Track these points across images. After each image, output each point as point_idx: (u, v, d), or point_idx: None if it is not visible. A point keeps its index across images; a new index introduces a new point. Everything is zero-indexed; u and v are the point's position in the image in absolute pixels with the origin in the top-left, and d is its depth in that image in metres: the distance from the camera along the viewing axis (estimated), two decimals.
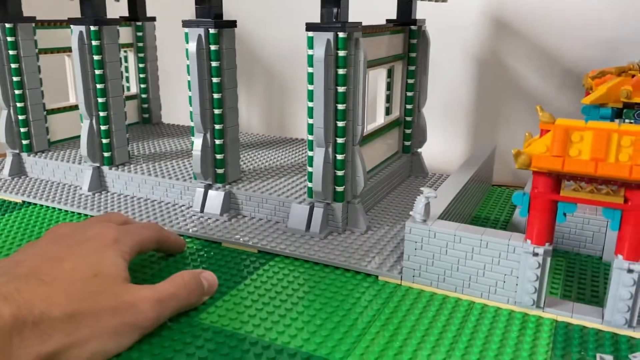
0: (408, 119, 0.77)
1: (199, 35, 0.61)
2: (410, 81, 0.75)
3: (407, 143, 0.78)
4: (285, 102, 1.07)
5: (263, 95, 1.09)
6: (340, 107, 0.57)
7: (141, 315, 0.41)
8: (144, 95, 0.99)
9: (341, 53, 0.55)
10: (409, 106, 0.76)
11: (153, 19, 0.97)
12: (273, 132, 1.08)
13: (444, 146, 0.94)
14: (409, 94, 0.75)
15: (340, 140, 0.58)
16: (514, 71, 0.87)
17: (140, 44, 0.96)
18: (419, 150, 0.80)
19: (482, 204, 0.72)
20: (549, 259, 0.44)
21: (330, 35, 0.54)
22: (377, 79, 0.74)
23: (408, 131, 0.77)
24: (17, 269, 0.39)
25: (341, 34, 0.54)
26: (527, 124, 0.88)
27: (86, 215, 0.67)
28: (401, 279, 0.51)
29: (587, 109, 0.59)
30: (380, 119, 0.73)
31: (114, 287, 0.41)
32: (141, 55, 0.97)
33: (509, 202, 0.73)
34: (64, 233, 0.47)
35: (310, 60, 0.56)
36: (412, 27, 0.73)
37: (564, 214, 0.44)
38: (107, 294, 0.40)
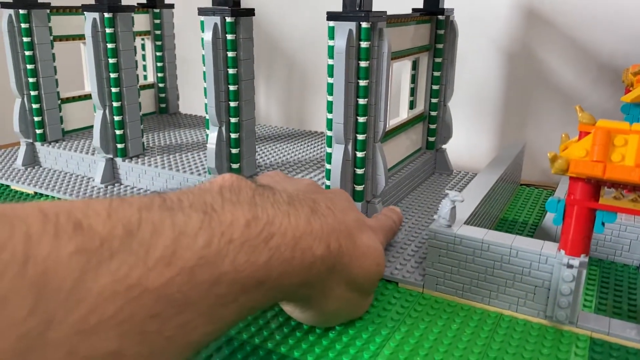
0: (433, 113, 0.73)
1: (215, 24, 0.58)
2: (436, 74, 0.71)
3: (432, 139, 0.75)
4: (306, 93, 1.04)
5: (282, 86, 1.06)
6: (362, 101, 0.53)
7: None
8: (161, 85, 0.97)
9: (364, 44, 0.52)
10: (434, 100, 0.73)
11: (171, 6, 0.95)
12: (292, 125, 1.05)
13: (469, 142, 0.90)
14: (435, 87, 0.72)
15: (360, 137, 0.55)
16: (546, 65, 0.83)
17: (158, 32, 0.94)
18: (444, 146, 0.77)
19: (510, 205, 0.68)
20: (584, 272, 0.41)
21: (352, 25, 0.51)
22: (401, 71, 0.70)
23: (433, 126, 0.74)
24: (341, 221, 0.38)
25: (364, 24, 0.51)
26: (558, 120, 0.84)
27: None
28: (423, 287, 0.48)
29: (627, 107, 0.56)
30: (404, 114, 0.69)
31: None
32: (159, 43, 0.94)
33: (538, 203, 0.69)
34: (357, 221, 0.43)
35: (331, 51, 0.52)
36: (440, 16, 0.69)
37: (603, 224, 0.41)
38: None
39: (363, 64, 0.52)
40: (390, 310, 0.45)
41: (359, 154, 0.55)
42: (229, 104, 0.61)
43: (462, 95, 0.86)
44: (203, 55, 0.59)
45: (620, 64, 0.77)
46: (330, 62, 0.53)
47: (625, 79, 0.59)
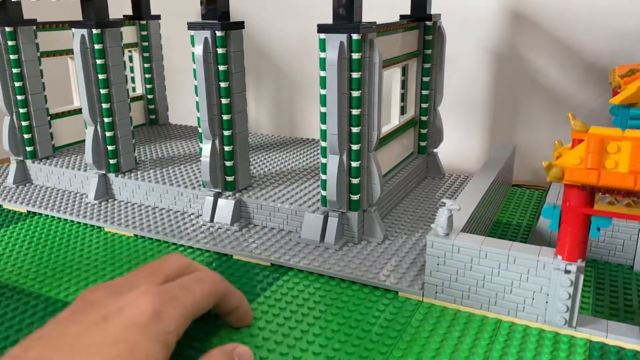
0: (423, 118, 0.74)
1: (206, 39, 0.58)
2: (426, 79, 0.72)
3: (423, 143, 0.75)
4: (296, 100, 1.04)
5: (272, 94, 1.06)
6: (355, 112, 0.54)
7: None
8: (150, 96, 0.96)
9: (355, 55, 0.52)
10: (424, 105, 0.73)
11: (157, 17, 0.95)
12: (283, 132, 1.05)
13: (459, 145, 0.91)
14: (425, 92, 0.72)
15: (355, 147, 0.55)
16: (533, 66, 0.84)
17: (145, 44, 0.94)
18: (435, 150, 0.77)
19: (503, 207, 0.69)
20: (582, 277, 0.42)
21: (343, 37, 0.51)
22: (391, 77, 0.71)
23: (424, 131, 0.74)
24: None
25: (355, 36, 0.51)
26: (546, 121, 0.85)
27: (92, 225, 0.65)
28: (423, 295, 0.48)
29: (616, 109, 0.56)
30: (395, 120, 0.70)
31: None
32: (146, 55, 0.94)
33: (530, 204, 0.70)
34: (94, 300, 0.36)
35: (323, 63, 0.53)
36: (427, 22, 0.70)
37: (598, 229, 0.41)
38: None
39: (355, 75, 0.52)
40: (391, 320, 0.45)
41: (354, 164, 0.55)
42: (221, 117, 0.61)
43: (451, 99, 0.87)
44: (194, 69, 0.59)
45: (607, 63, 0.78)
46: (322, 73, 0.53)
47: (612, 80, 0.60)
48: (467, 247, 0.45)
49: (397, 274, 0.51)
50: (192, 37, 0.59)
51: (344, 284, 0.51)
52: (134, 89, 0.96)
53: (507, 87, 0.86)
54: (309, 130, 1.02)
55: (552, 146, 0.84)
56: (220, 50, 0.59)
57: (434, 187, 0.74)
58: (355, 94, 0.53)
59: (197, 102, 0.60)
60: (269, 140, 0.90)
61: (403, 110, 0.72)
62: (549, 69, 0.83)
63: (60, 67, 0.85)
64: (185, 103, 1.07)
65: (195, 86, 0.60)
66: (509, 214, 0.67)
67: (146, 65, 0.95)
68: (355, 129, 0.54)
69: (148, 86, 0.96)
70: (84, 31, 0.65)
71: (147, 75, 0.95)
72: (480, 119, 0.89)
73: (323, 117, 0.54)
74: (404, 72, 0.71)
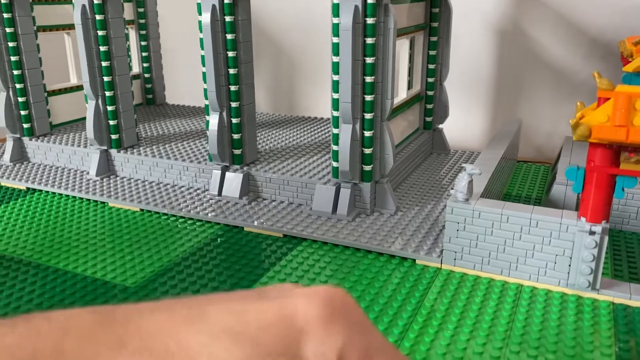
0: (430, 93, 0.73)
1: (213, 6, 0.56)
2: (432, 53, 0.71)
3: (429, 119, 0.74)
4: (295, 79, 1.02)
5: (270, 72, 1.04)
6: (369, 79, 0.53)
7: None
8: (147, 75, 0.94)
9: (370, 20, 0.51)
10: (430, 79, 0.72)
11: None
12: (281, 111, 1.04)
13: (463, 122, 0.90)
14: (431, 66, 0.72)
15: (368, 116, 0.54)
16: (537, 41, 0.83)
17: (142, 21, 0.91)
18: (441, 126, 0.76)
19: (511, 181, 0.69)
20: (606, 238, 0.41)
21: (358, 1, 0.50)
22: (399, 50, 0.70)
23: (429, 106, 0.74)
24: None
25: (370, 0, 0.50)
26: (549, 99, 0.84)
27: (95, 201, 0.63)
28: (441, 262, 0.47)
29: (629, 77, 0.56)
30: (403, 94, 0.69)
31: None
32: (143, 32, 0.92)
33: (537, 178, 0.69)
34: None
35: (336, 29, 0.51)
36: None
37: (623, 189, 0.41)
38: None
39: (369, 40, 0.51)
40: (409, 288, 0.45)
41: (367, 134, 0.54)
42: (229, 88, 0.60)
43: (455, 76, 0.86)
44: (201, 39, 0.58)
45: (611, 38, 0.78)
46: (335, 40, 0.52)
47: (624, 50, 0.60)
48: (488, 211, 0.44)
49: (414, 242, 0.50)
50: (198, 4, 0.57)
51: (359, 254, 0.50)
52: (130, 68, 0.94)
53: (511, 64, 0.86)
54: (308, 108, 1.01)
55: (554, 124, 0.84)
56: (228, 18, 0.57)
57: (440, 162, 0.73)
58: (369, 60, 0.52)
59: (203, 73, 0.59)
60: (269, 118, 0.88)
61: (410, 85, 0.71)
62: (552, 45, 0.82)
63: (56, 46, 0.83)
64: (181, 83, 1.05)
65: (202, 56, 0.58)
66: (517, 187, 0.66)
67: (143, 43, 0.93)
68: (368, 97, 0.53)
69: (145, 65, 0.94)
70: (85, 1, 0.63)
71: (144, 54, 0.93)
72: (484, 96, 0.89)
73: (335, 85, 0.53)
74: (411, 45, 0.70)
